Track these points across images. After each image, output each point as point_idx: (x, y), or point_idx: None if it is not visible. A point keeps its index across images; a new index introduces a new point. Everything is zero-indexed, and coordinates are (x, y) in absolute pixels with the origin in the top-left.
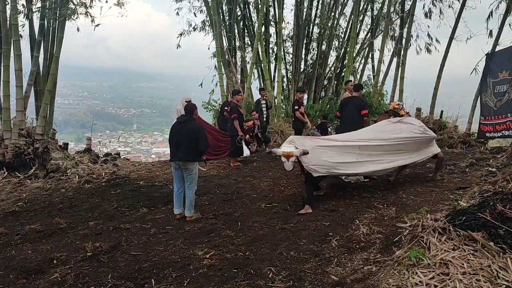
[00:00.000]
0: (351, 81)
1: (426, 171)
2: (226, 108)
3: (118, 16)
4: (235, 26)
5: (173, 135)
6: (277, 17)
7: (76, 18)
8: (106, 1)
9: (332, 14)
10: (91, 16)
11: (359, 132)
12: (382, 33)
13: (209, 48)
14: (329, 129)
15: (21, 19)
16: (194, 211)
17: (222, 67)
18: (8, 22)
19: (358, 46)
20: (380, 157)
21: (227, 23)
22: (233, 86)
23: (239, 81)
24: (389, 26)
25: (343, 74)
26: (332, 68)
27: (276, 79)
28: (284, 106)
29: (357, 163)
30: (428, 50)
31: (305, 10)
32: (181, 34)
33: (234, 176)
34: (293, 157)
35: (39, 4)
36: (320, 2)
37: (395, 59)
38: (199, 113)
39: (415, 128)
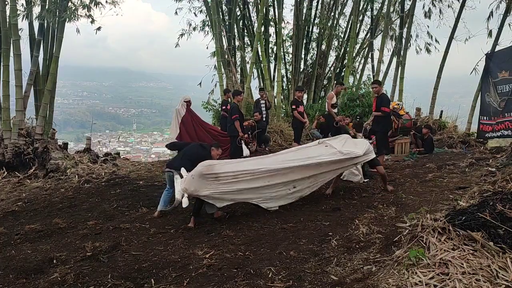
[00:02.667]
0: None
1: (426, 171)
2: (223, 107)
3: (115, 15)
4: (235, 26)
5: (186, 148)
6: (276, 17)
7: (77, 19)
8: (106, 1)
9: (332, 14)
10: (91, 17)
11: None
12: (381, 33)
13: (207, 48)
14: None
15: (21, 20)
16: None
17: (222, 67)
18: (7, 22)
19: (357, 46)
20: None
21: (227, 23)
22: (233, 86)
23: (238, 81)
24: (389, 26)
25: (342, 74)
26: (332, 68)
27: (275, 79)
28: (284, 106)
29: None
30: (428, 50)
31: (304, 10)
32: (182, 35)
33: None
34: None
35: (38, 5)
36: (320, 2)
37: (395, 59)
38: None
39: (334, 152)
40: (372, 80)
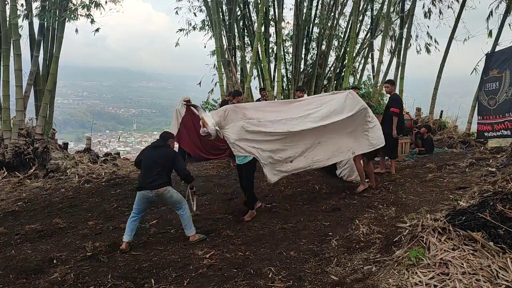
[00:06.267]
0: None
1: (426, 171)
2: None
3: (115, 15)
4: (235, 26)
5: (144, 159)
6: (277, 17)
7: (76, 19)
8: (106, 2)
9: (332, 14)
10: (91, 17)
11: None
12: (381, 33)
13: (205, 47)
14: None
15: (21, 20)
16: (194, 230)
17: (222, 66)
18: (7, 22)
19: (357, 46)
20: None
21: (227, 23)
22: (233, 86)
23: (238, 81)
24: (389, 26)
25: (342, 74)
26: (332, 68)
27: (275, 79)
28: None
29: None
30: (428, 50)
31: (304, 10)
32: (180, 30)
33: (234, 176)
34: (205, 128)
35: (38, 7)
36: (320, 2)
37: (394, 59)
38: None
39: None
40: (372, 80)
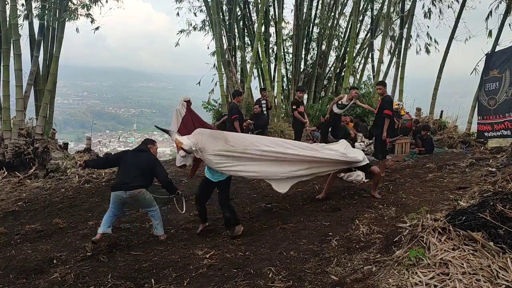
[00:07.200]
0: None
1: (426, 171)
2: (225, 115)
3: (115, 15)
4: (235, 26)
5: (124, 162)
6: (277, 17)
7: (76, 19)
8: (106, 1)
9: (332, 14)
10: (91, 16)
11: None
12: (382, 33)
13: (208, 47)
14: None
15: (21, 20)
16: (163, 231)
17: (222, 67)
18: (8, 21)
19: (358, 46)
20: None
21: (227, 23)
22: (233, 86)
23: (239, 81)
24: (389, 26)
25: (343, 74)
26: (332, 68)
27: (276, 79)
28: (284, 106)
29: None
30: (428, 51)
31: (305, 10)
32: (181, 31)
33: (234, 176)
34: (181, 150)
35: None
36: (320, 2)
37: (395, 59)
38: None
39: (335, 153)
40: (373, 81)
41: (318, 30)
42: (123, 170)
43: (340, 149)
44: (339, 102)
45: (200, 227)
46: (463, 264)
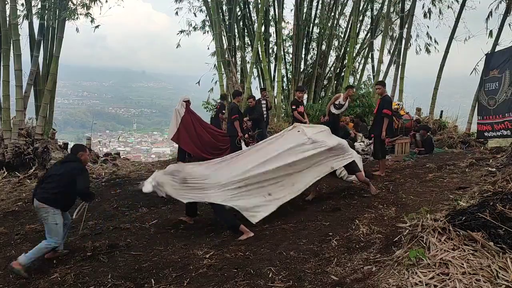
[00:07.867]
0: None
1: (426, 171)
2: (223, 111)
3: (116, 8)
4: (235, 26)
5: (47, 172)
6: (277, 17)
7: (76, 18)
8: (106, 0)
9: (332, 14)
10: (90, 16)
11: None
12: (382, 33)
13: (208, 48)
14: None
15: (21, 20)
16: (28, 263)
17: (222, 67)
18: (7, 21)
19: (358, 46)
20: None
21: (227, 23)
22: (233, 86)
23: (239, 81)
24: (389, 26)
25: (343, 74)
26: (332, 68)
27: (276, 79)
28: (284, 106)
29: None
30: (428, 50)
31: (305, 10)
32: (181, 31)
33: None
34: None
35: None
36: (320, 2)
37: (394, 59)
38: (199, 113)
39: (304, 141)
40: (373, 80)
41: (318, 30)
42: (41, 180)
43: (309, 133)
44: (336, 102)
45: (185, 218)
46: (463, 264)
